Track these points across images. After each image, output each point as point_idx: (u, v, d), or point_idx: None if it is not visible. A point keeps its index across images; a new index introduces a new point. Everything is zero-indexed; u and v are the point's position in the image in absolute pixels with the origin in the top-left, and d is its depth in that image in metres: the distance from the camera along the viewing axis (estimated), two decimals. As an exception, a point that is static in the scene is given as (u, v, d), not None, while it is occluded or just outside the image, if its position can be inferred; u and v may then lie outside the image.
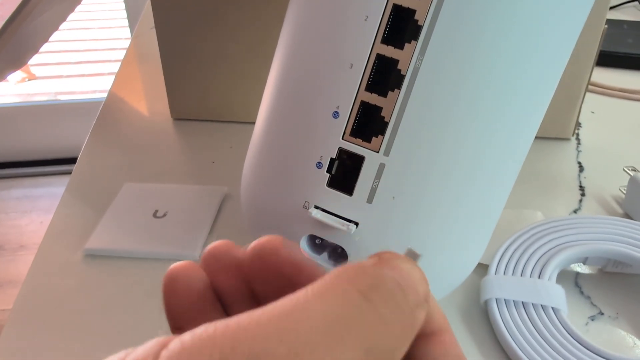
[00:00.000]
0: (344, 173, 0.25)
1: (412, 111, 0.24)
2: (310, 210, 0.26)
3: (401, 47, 0.23)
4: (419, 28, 0.23)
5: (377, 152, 0.25)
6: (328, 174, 0.25)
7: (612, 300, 0.33)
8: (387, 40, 0.23)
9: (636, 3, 0.75)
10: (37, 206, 1.63)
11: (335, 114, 0.25)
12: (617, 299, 0.33)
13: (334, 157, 0.25)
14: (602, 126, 0.51)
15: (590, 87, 0.54)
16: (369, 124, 0.25)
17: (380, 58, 0.24)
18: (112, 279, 0.35)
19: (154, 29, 0.70)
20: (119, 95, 0.57)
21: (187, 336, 0.12)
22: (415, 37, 0.23)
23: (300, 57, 0.26)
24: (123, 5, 1.62)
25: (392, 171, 0.25)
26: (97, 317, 0.33)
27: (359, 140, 0.25)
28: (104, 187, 0.43)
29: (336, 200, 0.26)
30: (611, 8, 0.72)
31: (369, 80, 0.24)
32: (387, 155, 0.24)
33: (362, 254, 0.26)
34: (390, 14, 0.23)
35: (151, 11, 0.75)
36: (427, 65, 0.23)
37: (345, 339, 0.12)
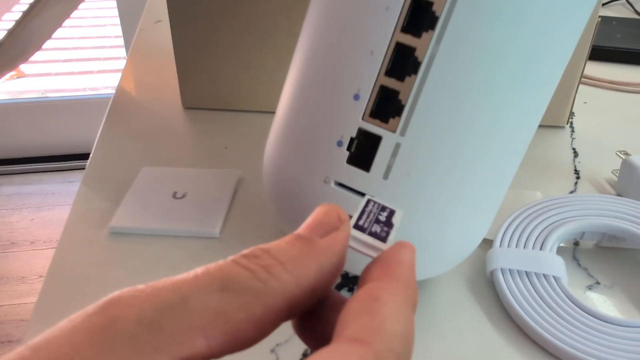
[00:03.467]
0: (363, 151, 0.28)
1: (427, 95, 0.26)
2: (330, 185, 0.28)
3: (419, 36, 0.25)
4: (436, 19, 0.25)
5: (394, 132, 0.27)
6: (348, 152, 0.28)
7: (607, 271, 0.36)
8: (406, 29, 0.25)
9: (624, 1, 0.78)
10: (28, 203, 1.63)
11: (356, 97, 0.27)
12: (612, 270, 0.36)
13: (354, 136, 0.27)
14: (594, 115, 0.53)
15: (582, 79, 0.56)
16: (387, 106, 0.27)
17: (399, 45, 0.26)
18: (137, 255, 0.37)
19: (159, 23, 0.72)
20: (128, 87, 0.59)
21: None
22: (433, 27, 0.25)
23: (324, 43, 0.28)
24: (114, 4, 1.63)
25: (407, 150, 0.27)
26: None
27: (377, 121, 0.27)
28: (120, 173, 0.44)
29: (354, 176, 0.28)
30: (602, 5, 0.75)
31: (388, 65, 0.26)
32: (403, 136, 0.27)
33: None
34: (410, 5, 0.25)
35: (153, 6, 0.77)
36: (442, 53, 0.25)
37: None
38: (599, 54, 0.61)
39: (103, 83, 1.88)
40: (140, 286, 0.15)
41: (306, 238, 0.16)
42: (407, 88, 0.26)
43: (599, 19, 0.45)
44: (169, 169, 0.45)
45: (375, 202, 0.21)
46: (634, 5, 0.76)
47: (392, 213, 0.21)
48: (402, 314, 0.15)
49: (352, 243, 0.19)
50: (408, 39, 0.26)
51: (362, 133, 0.27)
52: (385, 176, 0.27)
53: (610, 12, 0.74)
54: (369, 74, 0.26)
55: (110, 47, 2.07)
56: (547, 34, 0.26)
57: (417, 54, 0.26)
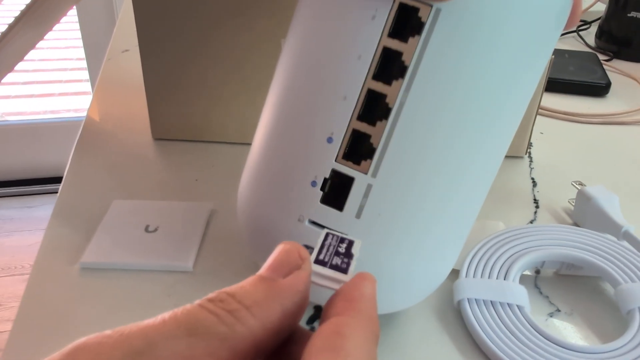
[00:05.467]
0: (336, 191, 0.29)
1: (397, 139, 0.27)
2: (304, 224, 0.29)
3: (389, 84, 0.27)
4: (405, 68, 0.26)
5: (366, 174, 0.28)
6: (321, 192, 0.29)
7: (567, 298, 0.38)
8: (377, 76, 0.27)
9: (575, 34, 0.82)
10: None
11: (330, 139, 0.28)
12: (571, 297, 0.38)
13: (327, 177, 0.28)
14: (551, 145, 0.56)
15: (539, 110, 0.59)
16: (359, 149, 0.28)
17: (370, 92, 0.27)
18: (109, 290, 0.37)
19: (126, 52, 0.72)
20: (96, 117, 0.59)
21: None
22: (402, 76, 0.26)
23: (299, 88, 0.29)
24: (76, 26, 1.62)
25: (379, 191, 0.28)
26: (97, 327, 0.34)
27: (350, 163, 0.28)
28: (91, 206, 0.44)
29: (328, 215, 0.29)
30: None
31: (360, 110, 0.28)
32: (375, 177, 0.28)
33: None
34: (381, 54, 0.27)
35: (120, 35, 0.77)
36: (411, 100, 0.27)
37: None
38: (553, 85, 0.65)
39: (64, 106, 1.85)
40: (107, 332, 0.15)
41: (269, 279, 0.17)
42: (378, 132, 0.27)
43: (553, 55, 0.47)
44: (140, 201, 0.45)
45: (333, 235, 0.21)
46: (585, 38, 0.81)
47: (351, 244, 0.21)
48: (365, 349, 0.15)
49: (314, 278, 0.19)
50: (379, 86, 0.27)
51: (335, 174, 0.28)
52: (358, 215, 0.28)
53: (563, 44, 0.78)
54: (342, 118, 0.28)
55: (72, 69, 2.04)
56: (510, 83, 0.28)
57: (387, 100, 0.27)
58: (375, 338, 0.16)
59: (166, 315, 0.15)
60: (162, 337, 0.14)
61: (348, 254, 0.21)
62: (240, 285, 0.17)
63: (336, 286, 0.19)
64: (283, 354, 0.18)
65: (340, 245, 0.21)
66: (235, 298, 0.16)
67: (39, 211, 1.58)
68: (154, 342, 0.14)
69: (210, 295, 0.16)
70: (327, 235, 0.21)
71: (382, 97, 0.27)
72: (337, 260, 0.20)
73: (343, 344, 0.15)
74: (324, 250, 0.21)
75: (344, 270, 0.20)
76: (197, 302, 0.16)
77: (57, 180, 0.57)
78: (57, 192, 0.48)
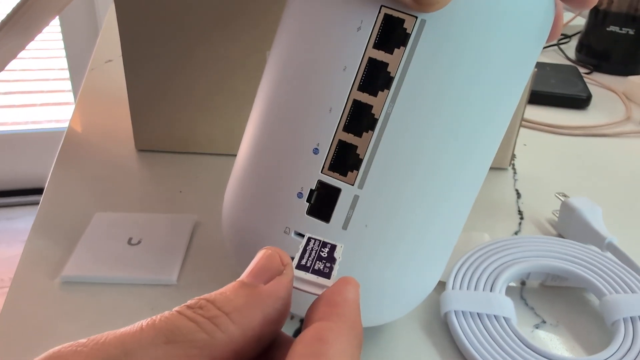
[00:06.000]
0: (322, 203, 0.28)
1: (383, 150, 0.27)
2: (290, 235, 0.29)
3: (375, 95, 0.27)
4: (391, 79, 0.26)
5: (352, 185, 0.28)
6: (308, 203, 0.28)
7: (552, 310, 0.38)
8: (362, 87, 0.27)
9: (556, 48, 0.83)
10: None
11: (316, 150, 0.28)
12: (556, 309, 0.38)
13: (314, 188, 0.28)
14: (534, 157, 0.57)
15: (522, 122, 0.60)
16: (345, 160, 0.28)
17: (356, 103, 0.27)
18: (91, 305, 0.36)
19: (109, 63, 0.72)
20: (78, 128, 0.58)
21: None
22: (388, 87, 0.26)
23: (284, 99, 0.29)
24: (59, 36, 1.60)
25: (365, 202, 0.28)
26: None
27: (336, 174, 0.28)
28: (73, 218, 0.44)
29: (314, 226, 0.29)
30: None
31: (346, 122, 0.27)
32: (361, 188, 0.28)
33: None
34: (366, 65, 0.27)
35: (104, 45, 0.77)
36: (397, 111, 0.27)
37: None
38: (535, 98, 0.65)
39: (46, 116, 1.83)
40: (82, 340, 0.14)
41: (250, 285, 0.16)
42: (364, 143, 0.27)
43: (536, 69, 0.48)
44: (123, 214, 0.44)
45: (315, 240, 0.21)
46: (565, 51, 0.82)
47: (333, 248, 0.21)
48: (348, 354, 0.15)
49: (296, 284, 0.18)
50: (365, 97, 0.27)
51: (321, 185, 0.28)
52: (345, 227, 0.28)
53: (544, 57, 0.79)
54: (327, 129, 0.28)
55: (55, 79, 2.02)
56: (495, 93, 0.28)
57: (373, 111, 0.27)
58: (359, 343, 0.16)
59: (144, 322, 0.15)
60: (139, 345, 0.14)
61: (330, 258, 0.21)
62: (220, 291, 0.16)
63: (319, 291, 0.18)
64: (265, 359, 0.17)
65: (323, 249, 0.21)
66: (215, 304, 0.16)
67: (19, 223, 1.55)
68: (131, 350, 0.14)
69: (190, 301, 0.16)
70: (309, 239, 0.21)
71: (367, 108, 0.27)
72: (319, 265, 0.20)
73: (325, 350, 0.15)
74: (306, 255, 0.20)
75: (327, 275, 0.19)
76: (175, 309, 0.16)
77: (38, 191, 0.56)
78: (38, 204, 0.47)
